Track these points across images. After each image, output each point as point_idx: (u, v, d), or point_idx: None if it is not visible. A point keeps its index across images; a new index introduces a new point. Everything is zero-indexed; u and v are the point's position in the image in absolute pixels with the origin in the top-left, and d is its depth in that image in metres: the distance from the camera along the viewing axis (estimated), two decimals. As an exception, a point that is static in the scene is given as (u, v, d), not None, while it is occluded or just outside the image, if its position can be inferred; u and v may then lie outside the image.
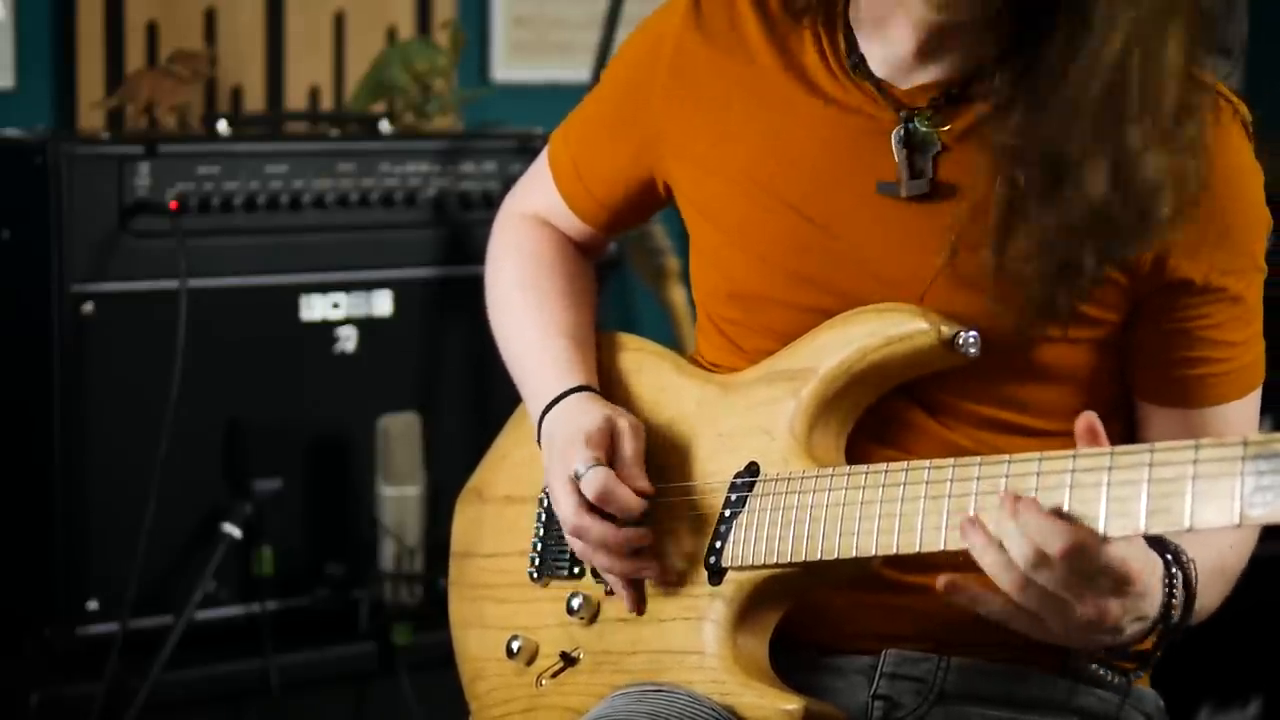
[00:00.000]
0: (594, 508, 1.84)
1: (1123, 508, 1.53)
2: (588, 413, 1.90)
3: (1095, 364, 1.81)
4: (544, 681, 1.94)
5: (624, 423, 1.88)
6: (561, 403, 1.94)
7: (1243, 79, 4.77)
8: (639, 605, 1.87)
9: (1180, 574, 1.67)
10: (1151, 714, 1.88)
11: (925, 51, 1.80)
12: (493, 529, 2.05)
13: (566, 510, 1.86)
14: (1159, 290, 1.77)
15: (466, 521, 2.10)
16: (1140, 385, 1.83)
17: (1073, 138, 1.72)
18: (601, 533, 1.85)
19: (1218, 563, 1.75)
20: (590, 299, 2.07)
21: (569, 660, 1.93)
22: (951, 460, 1.66)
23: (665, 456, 1.91)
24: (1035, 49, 1.75)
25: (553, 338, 2.00)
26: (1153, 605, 1.64)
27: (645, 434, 1.90)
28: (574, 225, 2.08)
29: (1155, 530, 1.53)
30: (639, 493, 1.85)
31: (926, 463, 1.68)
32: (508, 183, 3.26)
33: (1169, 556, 1.67)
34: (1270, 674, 4.00)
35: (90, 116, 3.42)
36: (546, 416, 1.94)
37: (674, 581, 1.86)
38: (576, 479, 1.85)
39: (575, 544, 1.88)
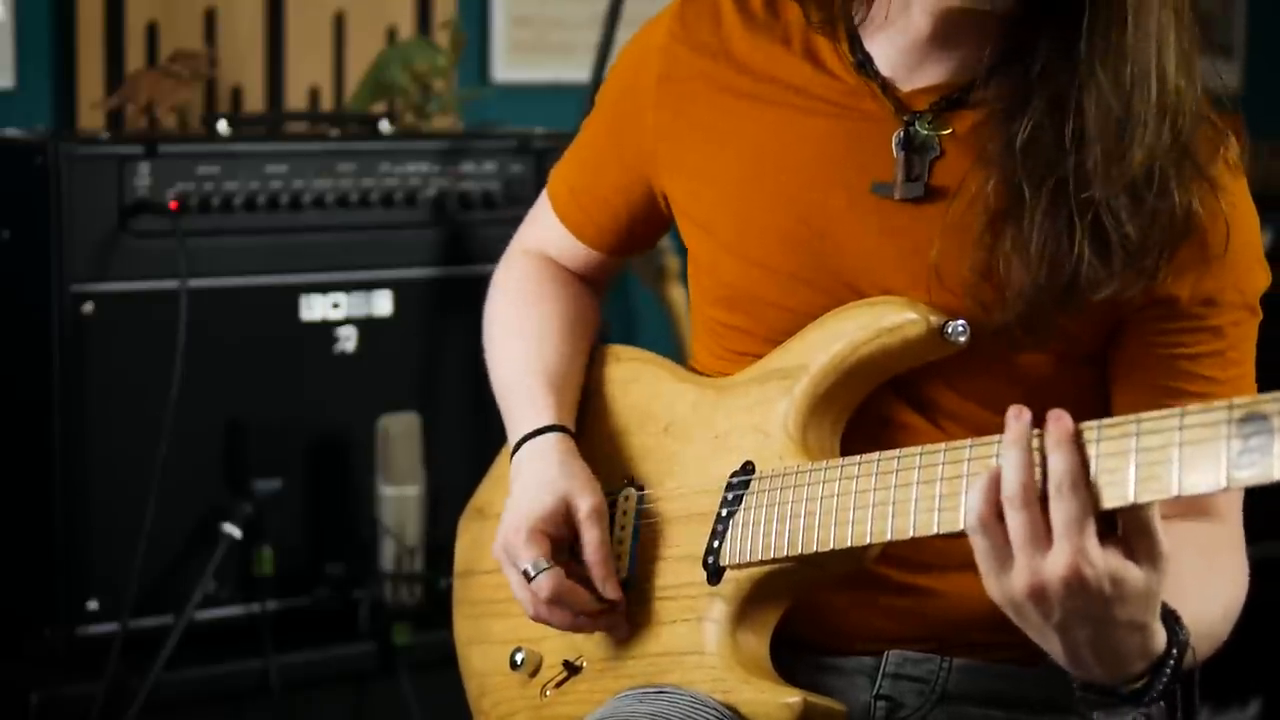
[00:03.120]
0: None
1: (1113, 478, 1.52)
2: (542, 487, 1.89)
3: (1076, 376, 1.81)
4: (548, 692, 1.94)
5: (584, 506, 1.87)
6: (527, 445, 1.94)
7: (1243, 79, 4.78)
8: (624, 632, 1.88)
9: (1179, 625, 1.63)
10: (1152, 715, 1.88)
11: (934, 46, 1.80)
12: (493, 545, 2.04)
13: (523, 599, 1.87)
14: (1142, 308, 1.77)
15: (469, 540, 2.10)
16: (1118, 408, 1.81)
17: (1077, 154, 1.72)
18: (565, 622, 1.87)
19: (1211, 631, 1.72)
20: (583, 331, 2.05)
21: (572, 669, 1.93)
22: (943, 445, 1.66)
23: (663, 462, 1.91)
24: (1044, 58, 1.75)
25: (527, 376, 1.99)
26: (1148, 614, 1.58)
27: (635, 444, 1.91)
28: (579, 254, 2.08)
29: (1145, 499, 1.51)
30: (606, 599, 1.86)
31: (918, 449, 1.68)
32: (508, 183, 3.27)
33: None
34: (1270, 674, 4.00)
35: (90, 116, 3.42)
36: (515, 455, 1.95)
37: (673, 584, 1.86)
38: (527, 578, 1.85)
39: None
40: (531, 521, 1.87)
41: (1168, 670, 1.60)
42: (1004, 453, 1.56)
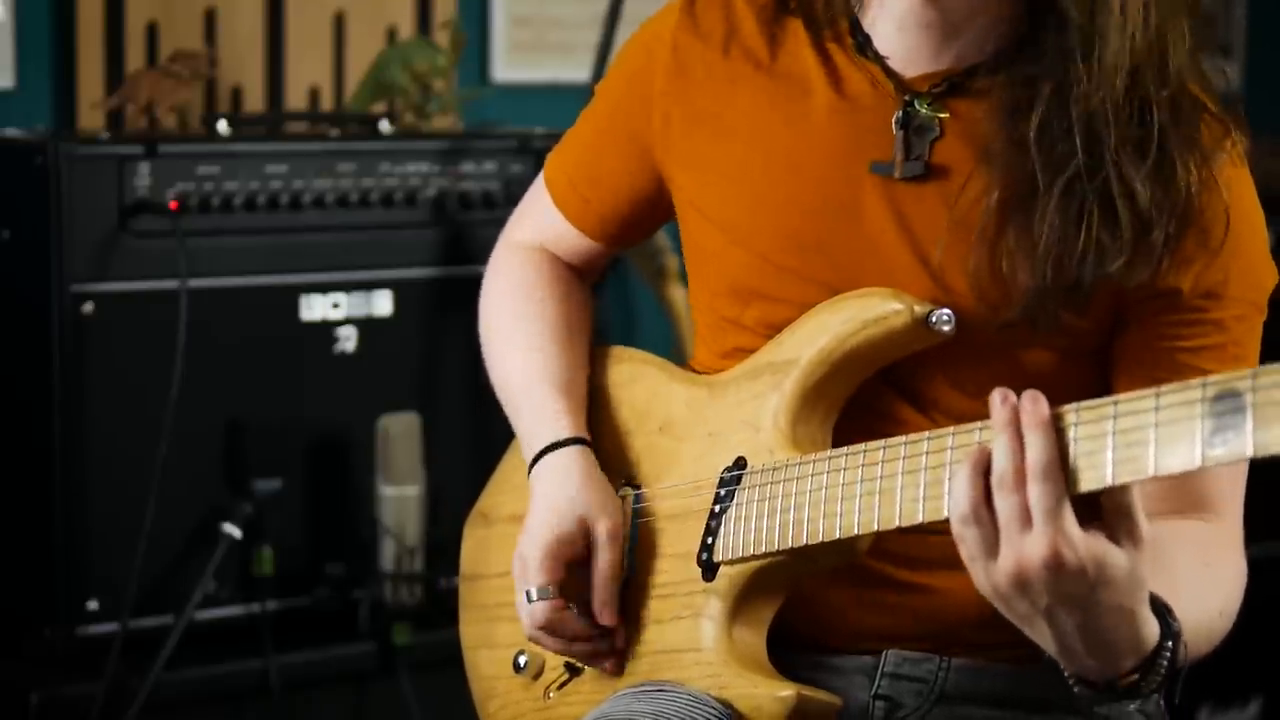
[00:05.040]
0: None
1: (1091, 461, 1.53)
2: (564, 504, 1.89)
3: (1077, 371, 1.81)
4: (551, 694, 1.94)
5: (602, 529, 1.88)
6: (547, 458, 1.94)
7: (1243, 79, 4.77)
8: (614, 668, 1.90)
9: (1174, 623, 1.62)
10: (1151, 714, 1.88)
11: (932, 32, 1.79)
12: (499, 549, 2.05)
13: (522, 618, 1.89)
14: (1144, 300, 1.77)
15: (474, 544, 2.10)
16: None
17: (1079, 143, 1.72)
18: (556, 647, 1.90)
19: (1206, 628, 1.72)
20: (584, 327, 2.06)
21: (574, 670, 1.93)
22: (926, 434, 1.66)
23: (659, 462, 1.91)
24: (1044, 47, 1.75)
25: (539, 383, 1.99)
26: (1135, 599, 1.59)
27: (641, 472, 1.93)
28: (575, 243, 2.08)
29: (1123, 480, 1.51)
30: (602, 624, 1.87)
31: (902, 439, 1.68)
32: (508, 183, 3.27)
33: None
34: (1270, 674, 4.00)
35: (90, 116, 3.42)
36: (535, 468, 1.95)
37: (670, 582, 1.86)
38: (528, 599, 1.87)
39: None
40: (548, 545, 1.88)
41: (1164, 663, 1.60)
42: (995, 436, 1.56)
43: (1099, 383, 1.81)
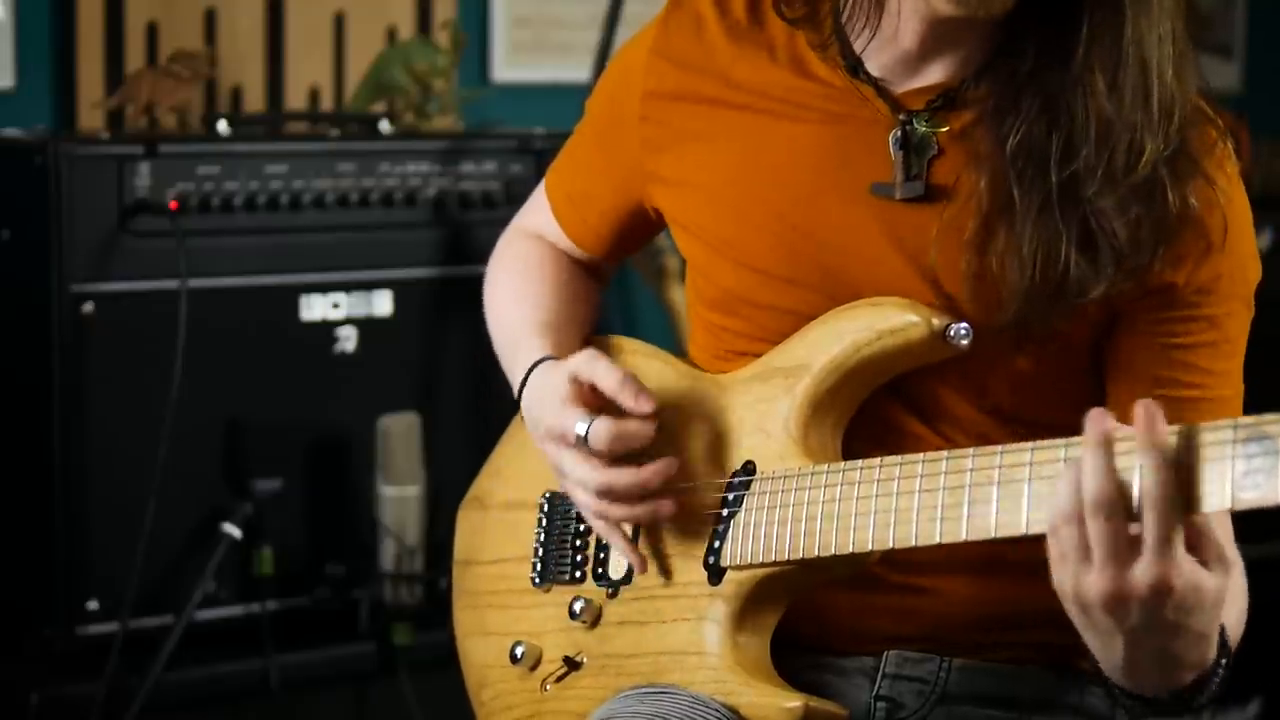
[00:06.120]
0: (612, 459, 1.81)
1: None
2: (552, 378, 1.87)
3: (1075, 375, 1.81)
4: (548, 686, 1.94)
5: (580, 358, 1.84)
6: (530, 378, 1.92)
7: (1243, 79, 4.78)
8: (643, 564, 1.86)
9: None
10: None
11: (927, 49, 1.80)
12: (494, 536, 2.05)
13: (587, 475, 1.82)
14: (1139, 298, 1.77)
15: (468, 529, 2.10)
16: (1114, 402, 1.79)
17: (1068, 159, 1.72)
18: (631, 479, 1.81)
19: (1235, 631, 1.70)
20: (583, 302, 2.06)
21: (572, 665, 1.93)
22: (945, 453, 1.66)
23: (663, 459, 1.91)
24: (1034, 59, 1.75)
25: (533, 326, 1.99)
26: (1215, 623, 1.57)
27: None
28: (576, 255, 2.09)
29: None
30: (641, 413, 1.81)
31: (920, 456, 1.68)
32: (508, 183, 3.27)
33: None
34: (1270, 674, 3.99)
35: (90, 116, 3.42)
36: (522, 398, 1.93)
37: (674, 583, 1.86)
38: (582, 441, 1.81)
39: (598, 506, 1.83)
40: (560, 397, 1.83)
41: (1217, 678, 1.60)
42: (1085, 456, 1.51)
43: (1095, 386, 1.81)
